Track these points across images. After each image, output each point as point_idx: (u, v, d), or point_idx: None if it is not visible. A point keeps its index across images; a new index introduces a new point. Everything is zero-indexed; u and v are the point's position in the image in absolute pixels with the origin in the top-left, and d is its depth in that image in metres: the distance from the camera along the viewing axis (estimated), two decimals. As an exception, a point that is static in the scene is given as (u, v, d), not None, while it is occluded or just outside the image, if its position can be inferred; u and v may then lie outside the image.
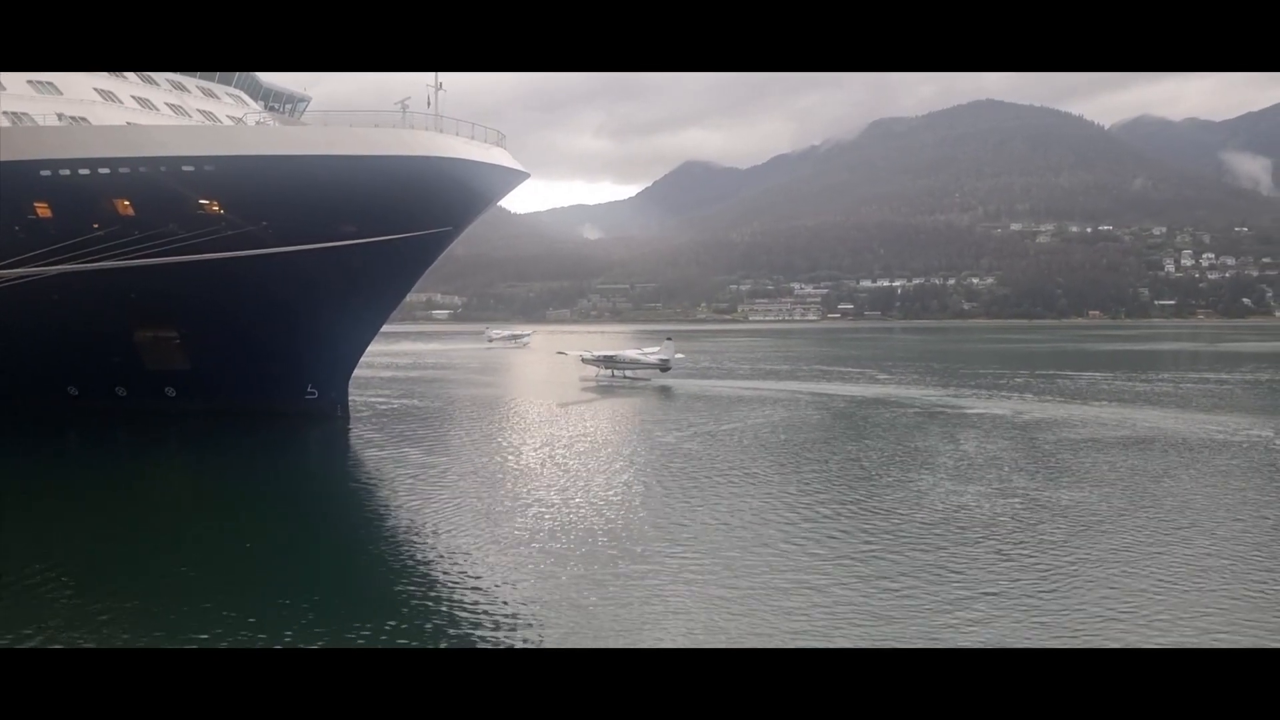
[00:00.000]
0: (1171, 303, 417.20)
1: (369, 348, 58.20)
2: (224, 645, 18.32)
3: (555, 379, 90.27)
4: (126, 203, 45.67)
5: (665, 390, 75.66)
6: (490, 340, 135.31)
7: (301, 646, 18.45)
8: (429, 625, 20.01)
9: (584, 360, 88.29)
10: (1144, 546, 25.66)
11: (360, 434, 50.62)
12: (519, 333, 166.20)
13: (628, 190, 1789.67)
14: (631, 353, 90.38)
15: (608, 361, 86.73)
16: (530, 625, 19.84)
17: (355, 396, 63.30)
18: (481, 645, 18.66)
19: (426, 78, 46.95)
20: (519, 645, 18.73)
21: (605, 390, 76.84)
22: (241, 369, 52.23)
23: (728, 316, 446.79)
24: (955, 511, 29.92)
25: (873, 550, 25.33)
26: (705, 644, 18.34)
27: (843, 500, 32.06)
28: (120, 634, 19.11)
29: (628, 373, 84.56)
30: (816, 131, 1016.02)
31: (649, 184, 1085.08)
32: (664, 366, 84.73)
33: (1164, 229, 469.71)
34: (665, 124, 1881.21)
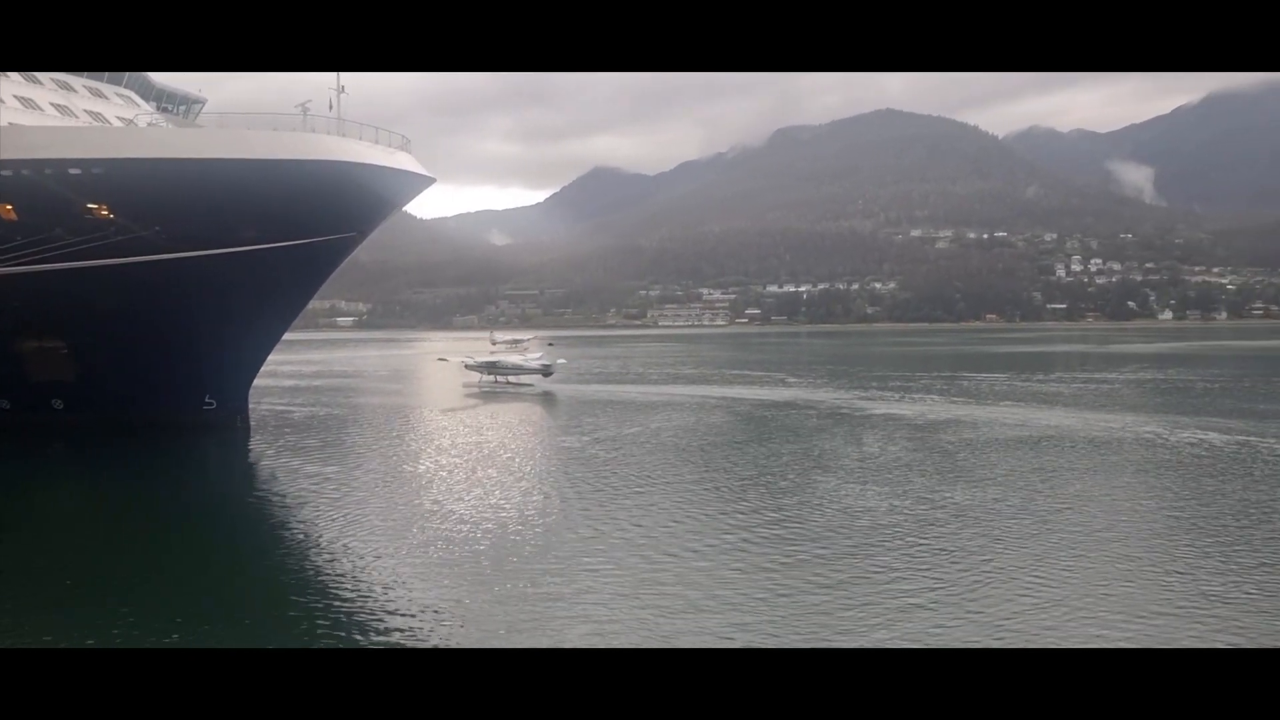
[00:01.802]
0: (1063, 306, 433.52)
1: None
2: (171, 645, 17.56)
3: (446, 385, 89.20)
4: (9, 207, 43.64)
5: (550, 395, 75.48)
6: (494, 344, 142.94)
7: (285, 647, 18.11)
8: (338, 632, 19.50)
9: (467, 367, 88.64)
10: (1047, 542, 26.50)
11: (260, 445, 49.19)
12: (520, 337, 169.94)
13: (536, 196, 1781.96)
14: (514, 358, 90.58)
15: (490, 368, 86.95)
16: (445, 627, 19.53)
17: (276, 406, 61.63)
18: (454, 645, 18.24)
19: (328, 80, 45.90)
20: (452, 645, 18.37)
21: (491, 396, 76.53)
22: (134, 379, 50.21)
23: (637, 322, 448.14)
24: (860, 512, 30.50)
25: (789, 551, 25.64)
26: (635, 644, 18.27)
27: (750, 502, 32.36)
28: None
29: (510, 378, 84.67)
30: (723, 139, 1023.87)
31: (558, 189, 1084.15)
32: (546, 372, 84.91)
33: (1055, 235, 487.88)
34: (574, 129, 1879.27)
